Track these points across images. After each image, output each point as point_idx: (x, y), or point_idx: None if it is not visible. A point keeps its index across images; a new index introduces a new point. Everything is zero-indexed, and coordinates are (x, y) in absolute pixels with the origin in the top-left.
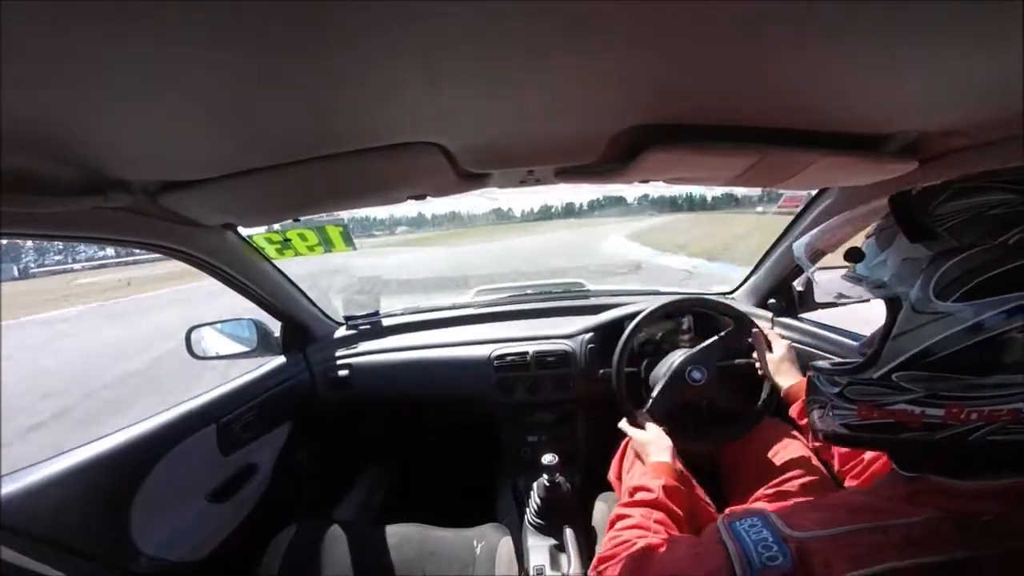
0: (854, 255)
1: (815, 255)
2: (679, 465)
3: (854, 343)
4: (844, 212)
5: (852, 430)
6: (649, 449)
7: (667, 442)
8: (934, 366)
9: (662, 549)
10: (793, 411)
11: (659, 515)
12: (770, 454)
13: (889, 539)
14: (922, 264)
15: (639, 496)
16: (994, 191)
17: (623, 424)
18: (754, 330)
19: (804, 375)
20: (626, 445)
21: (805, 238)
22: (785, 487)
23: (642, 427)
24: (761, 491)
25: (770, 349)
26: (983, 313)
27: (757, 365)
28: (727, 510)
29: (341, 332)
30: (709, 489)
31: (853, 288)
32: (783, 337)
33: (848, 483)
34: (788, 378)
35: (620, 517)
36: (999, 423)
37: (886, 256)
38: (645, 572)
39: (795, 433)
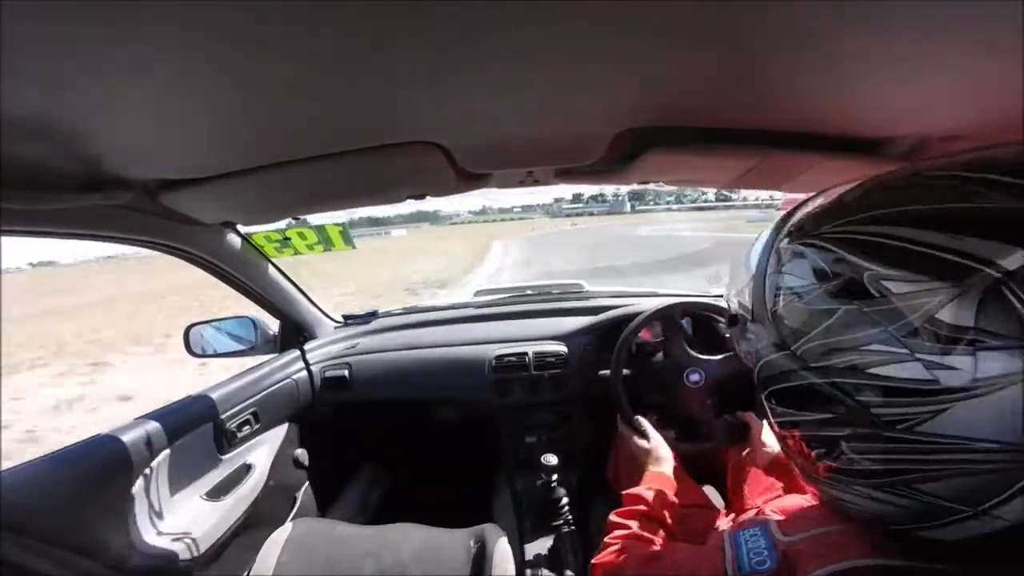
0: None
1: None
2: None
3: None
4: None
5: None
6: (648, 458)
7: (668, 452)
8: None
9: (664, 555)
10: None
11: (653, 527)
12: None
13: (854, 538)
14: None
15: (634, 506)
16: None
17: (623, 428)
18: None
19: None
20: (620, 446)
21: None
22: (788, 487)
23: (643, 431)
24: (763, 492)
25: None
26: None
27: None
28: (737, 520)
29: (339, 331)
30: (711, 489)
31: None
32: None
33: None
34: None
35: (616, 526)
36: None
37: None
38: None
39: None
